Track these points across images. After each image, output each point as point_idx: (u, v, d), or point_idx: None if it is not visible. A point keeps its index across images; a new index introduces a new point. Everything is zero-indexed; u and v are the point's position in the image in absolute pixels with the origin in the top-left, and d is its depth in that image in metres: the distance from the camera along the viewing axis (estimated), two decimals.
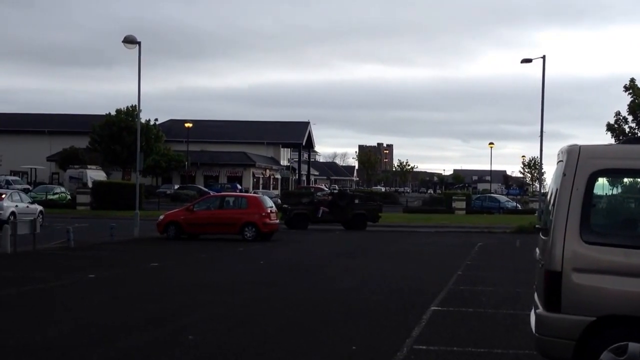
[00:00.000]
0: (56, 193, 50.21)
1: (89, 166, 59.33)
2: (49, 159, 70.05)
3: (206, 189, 61.83)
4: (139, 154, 28.88)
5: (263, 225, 25.32)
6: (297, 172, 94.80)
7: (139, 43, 26.85)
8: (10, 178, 61.72)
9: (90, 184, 52.32)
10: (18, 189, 37.62)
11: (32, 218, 24.56)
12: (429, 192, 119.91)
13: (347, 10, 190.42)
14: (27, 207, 30.61)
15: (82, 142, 64.97)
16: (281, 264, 17.92)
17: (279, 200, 49.91)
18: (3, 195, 29.87)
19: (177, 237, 25.18)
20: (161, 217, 26.63)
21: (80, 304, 11.18)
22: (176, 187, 65.84)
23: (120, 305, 11.06)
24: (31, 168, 67.95)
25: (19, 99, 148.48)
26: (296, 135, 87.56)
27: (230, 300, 11.74)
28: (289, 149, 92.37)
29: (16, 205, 29.67)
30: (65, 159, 64.02)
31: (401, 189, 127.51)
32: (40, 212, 31.37)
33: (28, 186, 60.74)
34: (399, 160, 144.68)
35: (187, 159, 67.56)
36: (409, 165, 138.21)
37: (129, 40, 26.81)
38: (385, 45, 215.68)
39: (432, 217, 42.66)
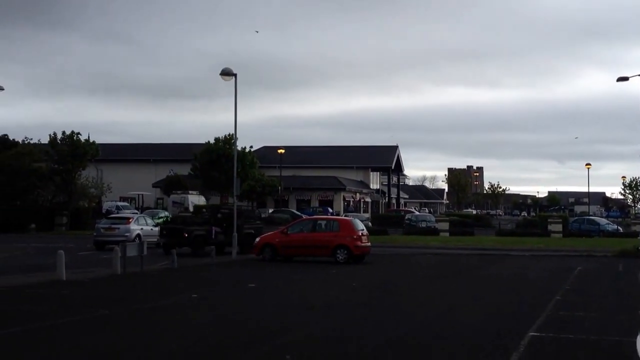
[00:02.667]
0: (161, 217, 51.89)
1: (190, 191, 61.14)
2: (154, 185, 72.68)
3: (299, 213, 62.43)
4: (235, 179, 29.50)
5: (355, 248, 25.25)
6: (386, 195, 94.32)
7: (235, 75, 27.58)
8: (120, 204, 64.38)
9: (191, 208, 53.82)
10: (144, 215, 39.83)
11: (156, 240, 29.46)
12: (522, 214, 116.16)
13: (433, 35, 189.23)
14: (151, 229, 33.09)
15: (184, 169, 67.16)
16: (374, 286, 17.75)
17: (370, 224, 49.57)
18: (130, 220, 32.75)
19: (272, 259, 25.46)
20: (257, 239, 27.03)
21: (185, 322, 11.41)
22: (270, 210, 66.81)
23: (223, 324, 11.22)
24: (138, 194, 70.67)
25: (127, 130, 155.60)
26: (385, 159, 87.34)
27: (326, 321, 11.70)
28: (378, 173, 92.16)
29: (141, 228, 32.46)
30: (168, 185, 66.27)
31: (493, 212, 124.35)
32: None
33: (136, 211, 63.22)
34: (490, 182, 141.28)
35: (280, 183, 68.52)
36: (500, 187, 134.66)
37: (226, 73, 27.58)
38: (472, 69, 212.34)
39: (526, 240, 41.23)
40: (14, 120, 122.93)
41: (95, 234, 32.20)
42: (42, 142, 52.41)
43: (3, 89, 33.91)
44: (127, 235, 30.66)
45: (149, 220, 35.16)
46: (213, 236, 28.38)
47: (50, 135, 50.29)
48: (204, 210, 35.98)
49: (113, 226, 31.53)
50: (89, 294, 14.79)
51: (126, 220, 32.73)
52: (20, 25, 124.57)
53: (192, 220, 30.01)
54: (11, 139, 61.58)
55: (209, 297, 14.98)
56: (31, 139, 55.46)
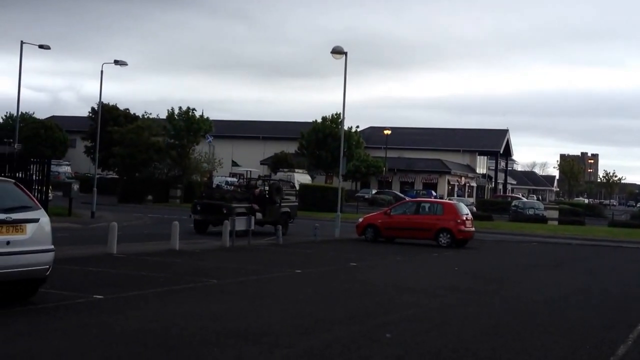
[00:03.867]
0: None
1: (296, 170, 62.29)
2: (262, 162, 74.53)
3: (402, 195, 62.23)
4: (342, 159, 29.82)
5: (458, 232, 25.04)
6: (493, 180, 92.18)
7: (346, 53, 27.78)
8: (229, 179, 66.41)
9: (297, 186, 54.84)
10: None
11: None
12: (638, 205, 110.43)
13: (550, 14, 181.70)
14: None
15: (291, 147, 68.42)
16: (476, 271, 17.60)
17: (474, 208, 48.59)
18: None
19: (374, 240, 25.68)
20: (360, 219, 27.30)
21: (288, 296, 11.83)
22: (374, 191, 66.99)
23: (324, 300, 11.55)
24: (247, 170, 72.74)
25: (238, 108, 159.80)
26: (493, 143, 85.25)
27: (426, 303, 11.79)
28: (486, 157, 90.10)
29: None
30: (276, 163, 67.81)
31: (606, 202, 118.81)
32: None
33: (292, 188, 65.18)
34: (605, 170, 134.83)
35: (385, 165, 68.47)
36: (616, 176, 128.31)
37: (337, 51, 27.82)
38: (592, 49, 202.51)
39: None
40: (136, 95, 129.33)
41: None
42: (161, 117, 54.91)
43: (126, 64, 35.72)
44: None
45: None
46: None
47: (168, 110, 52.63)
48: (235, 184, 32.41)
49: None
50: (200, 264, 15.55)
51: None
52: (143, 2, 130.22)
53: (233, 195, 26.45)
54: (132, 113, 64.94)
55: (311, 273, 15.39)
56: (150, 114, 58.31)
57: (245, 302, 10.76)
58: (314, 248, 21.85)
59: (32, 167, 29.24)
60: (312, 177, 63.51)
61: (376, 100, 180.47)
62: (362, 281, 14.41)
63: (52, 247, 9.62)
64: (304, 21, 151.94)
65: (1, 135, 73.59)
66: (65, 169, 63.11)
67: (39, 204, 9.86)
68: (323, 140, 61.60)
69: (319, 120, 64.34)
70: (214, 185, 63.00)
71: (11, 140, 49.40)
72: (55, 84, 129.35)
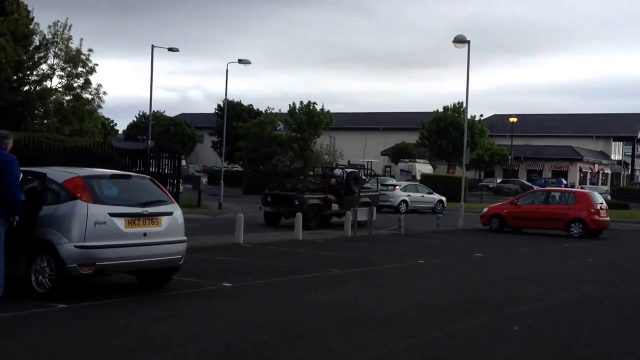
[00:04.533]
0: (388, 184, 53.23)
1: (417, 160, 61.77)
2: (383, 153, 74.47)
3: (529, 183, 60.12)
4: (465, 148, 29.26)
5: (592, 222, 23.95)
6: (630, 167, 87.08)
7: (468, 42, 27.17)
8: (349, 170, 66.61)
9: (418, 177, 54.42)
10: (416, 183, 42.01)
11: (431, 206, 31.47)
12: None
13: None
14: (422, 196, 35.60)
15: (411, 138, 67.91)
16: (611, 263, 16.75)
17: (609, 197, 46.19)
18: (397, 187, 35.59)
19: (499, 230, 25.05)
20: (485, 209, 26.70)
21: (411, 286, 11.80)
22: (498, 180, 65.17)
23: (448, 291, 11.42)
24: (367, 161, 72.94)
25: (359, 100, 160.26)
26: (630, 128, 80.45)
27: (556, 296, 11.37)
28: (621, 143, 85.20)
29: (408, 195, 35.00)
30: (396, 154, 67.56)
31: None
32: (440, 201, 36.55)
33: (365, 177, 65.09)
34: None
35: (511, 153, 66.41)
36: None
37: (459, 40, 27.28)
38: None
39: None
40: (259, 91, 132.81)
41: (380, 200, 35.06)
42: (282, 112, 56.23)
43: (250, 62, 36.86)
44: (391, 201, 33.42)
45: (422, 188, 37.33)
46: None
47: (289, 105, 53.77)
48: (310, 175, 28.03)
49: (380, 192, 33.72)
50: (323, 254, 15.82)
51: (392, 187, 35.43)
52: (268, 1, 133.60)
53: (306, 185, 24.51)
54: (255, 109, 66.95)
55: (434, 263, 15.25)
56: (273, 109, 59.83)
57: (368, 292, 10.85)
58: (436, 238, 21.62)
59: (164, 161, 30.90)
60: (434, 167, 62.72)
61: (501, 87, 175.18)
62: (488, 272, 14.12)
63: (185, 238, 10.14)
64: (424, 10, 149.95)
65: (136, 132, 78.10)
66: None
67: (172, 198, 10.41)
68: (445, 130, 60.58)
69: (440, 109, 63.33)
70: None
71: (145, 137, 52.42)
72: (183, 83, 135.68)
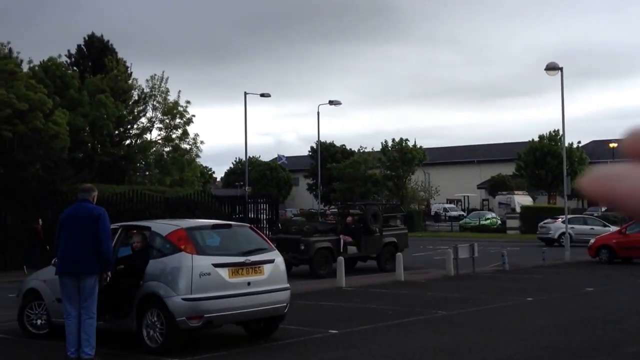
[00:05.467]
0: (487, 218, 51.94)
1: (516, 192, 60.07)
2: (479, 186, 72.97)
3: None
4: (565, 178, 28.22)
5: None
6: None
7: (561, 69, 26.42)
8: (447, 206, 65.80)
9: (518, 209, 52.86)
10: (586, 215, 40.05)
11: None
12: None
13: None
14: (592, 229, 32.90)
15: (507, 169, 66.28)
16: None
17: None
18: (558, 219, 33.52)
19: (609, 261, 23.78)
20: (592, 240, 25.49)
21: (522, 326, 11.29)
22: (603, 209, 62.36)
23: (561, 329, 10.85)
24: (464, 196, 71.64)
25: (451, 134, 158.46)
26: None
27: None
28: None
29: (572, 227, 32.21)
30: (493, 186, 66.03)
31: None
32: None
33: (462, 212, 64.05)
34: None
35: None
36: None
37: (551, 67, 26.56)
38: None
39: None
40: (351, 131, 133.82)
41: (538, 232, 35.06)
42: (375, 150, 56.31)
43: (340, 103, 37.27)
44: (550, 234, 32.90)
45: (594, 220, 35.51)
46: (342, 248, 20.69)
47: (381, 143, 53.82)
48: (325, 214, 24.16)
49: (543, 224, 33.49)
50: (426, 295, 15.45)
51: (554, 219, 34.63)
52: (355, 40, 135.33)
53: (314, 227, 21.80)
54: (348, 149, 67.39)
55: (543, 300, 14.58)
56: (365, 148, 60.07)
57: (477, 334, 10.45)
58: (542, 273, 20.75)
59: (261, 206, 31.47)
60: (534, 198, 60.77)
61: (597, 112, 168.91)
62: (601, 307, 13.35)
63: (288, 285, 10.13)
64: (512, 39, 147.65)
65: (233, 179, 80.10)
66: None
67: (272, 245, 10.48)
68: (542, 159, 58.79)
69: (536, 138, 61.61)
70: (432, 213, 62.67)
71: (242, 183, 53.63)
72: (277, 127, 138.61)
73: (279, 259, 10.09)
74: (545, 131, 61.17)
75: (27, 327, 10.43)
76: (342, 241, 20.75)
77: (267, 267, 9.75)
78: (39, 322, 10.34)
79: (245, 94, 37.04)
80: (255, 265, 9.59)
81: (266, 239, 10.67)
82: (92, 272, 8.41)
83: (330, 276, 18.67)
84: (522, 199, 57.71)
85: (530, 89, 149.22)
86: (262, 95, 36.84)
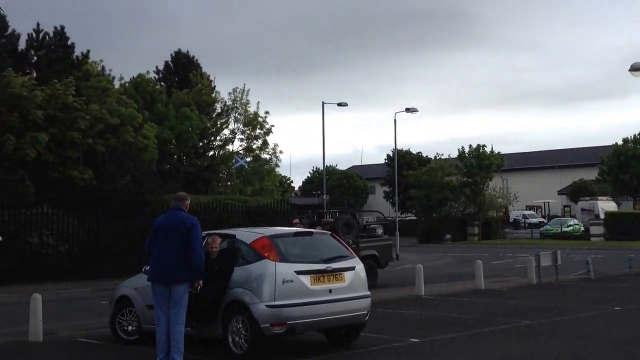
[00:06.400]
0: (570, 225, 50.20)
1: (599, 197, 57.79)
2: (560, 192, 70.66)
3: None
4: None
5: None
6: None
7: None
8: (527, 213, 64.02)
9: (602, 215, 50.84)
10: None
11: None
12: None
13: None
14: None
15: (590, 174, 63.92)
16: None
17: None
18: None
19: None
20: None
21: (610, 335, 10.80)
22: None
23: None
24: (544, 202, 69.55)
25: (530, 139, 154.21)
26: None
27: None
28: None
29: None
30: (575, 192, 63.76)
31: None
32: None
33: (543, 219, 62.14)
34: None
35: None
36: None
37: (636, 68, 25.42)
38: None
39: None
40: (427, 138, 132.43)
41: None
42: (452, 157, 55.47)
43: (417, 111, 36.91)
44: None
45: None
46: None
47: (458, 149, 52.98)
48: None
49: None
50: (508, 304, 15.02)
51: None
52: (432, 48, 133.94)
53: None
54: (425, 156, 66.73)
55: (632, 310, 13.92)
56: (442, 155, 59.33)
57: (563, 344, 10.06)
58: (629, 282, 19.83)
59: (339, 215, 31.37)
60: (618, 204, 58.30)
61: None
62: None
63: (369, 293, 10.05)
64: (593, 41, 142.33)
65: (311, 188, 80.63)
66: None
67: (353, 253, 10.42)
68: (627, 164, 56.37)
69: (620, 142, 59.17)
70: (511, 220, 61.02)
71: (319, 192, 53.89)
72: (354, 136, 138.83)
73: (360, 267, 10.04)
74: (630, 134, 58.75)
75: (119, 333, 10.74)
76: None
77: (348, 275, 9.71)
78: (130, 328, 10.64)
79: (324, 104, 37.23)
80: (337, 273, 9.56)
81: (347, 246, 10.62)
82: (183, 281, 8.54)
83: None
84: (606, 205, 55.39)
85: (613, 91, 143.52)
86: (340, 104, 36.92)
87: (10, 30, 30.95)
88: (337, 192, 71.94)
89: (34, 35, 31.54)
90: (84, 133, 27.60)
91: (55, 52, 31.49)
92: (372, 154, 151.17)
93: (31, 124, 26.33)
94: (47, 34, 31.79)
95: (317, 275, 9.34)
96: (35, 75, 30.13)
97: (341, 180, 75.89)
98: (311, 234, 10.70)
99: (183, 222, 8.65)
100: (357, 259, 10.26)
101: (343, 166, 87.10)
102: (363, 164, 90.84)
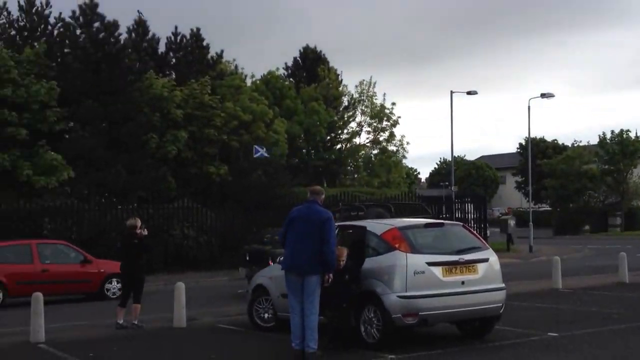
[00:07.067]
0: None
1: None
2: None
3: None
4: None
5: None
6: None
7: None
8: None
9: None
10: None
11: None
12: None
13: None
14: None
15: None
16: None
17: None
18: None
19: None
20: None
21: None
22: None
23: None
24: None
25: None
26: None
27: None
28: None
29: None
30: None
31: None
32: None
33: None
34: None
35: None
36: None
37: None
38: None
39: None
40: (563, 125, 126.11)
41: None
42: (591, 144, 52.72)
43: (553, 96, 35.33)
44: None
45: None
46: None
47: (599, 135, 50.32)
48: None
49: None
50: None
51: None
52: (569, 29, 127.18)
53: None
54: (560, 144, 63.85)
55: None
56: (580, 142, 56.56)
57: None
58: None
59: (468, 206, 30.87)
60: None
61: None
62: None
63: (503, 285, 9.77)
64: None
65: (438, 179, 79.57)
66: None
67: (486, 244, 10.17)
68: None
69: None
70: None
71: (447, 183, 53.01)
72: (482, 125, 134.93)
73: (493, 258, 9.78)
74: None
75: (255, 320, 11.14)
76: None
77: (481, 266, 9.50)
78: (266, 315, 11.01)
79: (452, 92, 36.49)
80: (469, 264, 9.38)
81: (480, 237, 10.38)
82: (315, 272, 8.68)
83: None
84: None
85: None
86: (469, 93, 36.03)
87: (150, 35, 32.75)
88: (465, 183, 70.45)
89: (172, 37, 33.22)
90: (219, 130, 28.82)
91: (191, 53, 33.00)
92: (502, 142, 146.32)
93: (171, 122, 27.81)
94: (184, 36, 33.37)
95: (449, 266, 9.21)
96: (174, 76, 31.74)
97: (469, 171, 74.20)
98: (442, 224, 10.56)
99: (318, 214, 8.78)
100: (491, 250, 10.01)
101: (471, 156, 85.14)
102: (492, 153, 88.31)
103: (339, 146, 44.69)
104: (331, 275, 8.80)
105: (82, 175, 26.22)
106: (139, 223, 12.50)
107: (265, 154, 26.74)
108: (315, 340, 8.68)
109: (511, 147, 79.84)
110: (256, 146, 26.79)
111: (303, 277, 8.71)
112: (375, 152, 44.70)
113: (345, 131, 45.31)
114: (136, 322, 11.94)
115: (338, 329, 9.26)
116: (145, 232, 12.37)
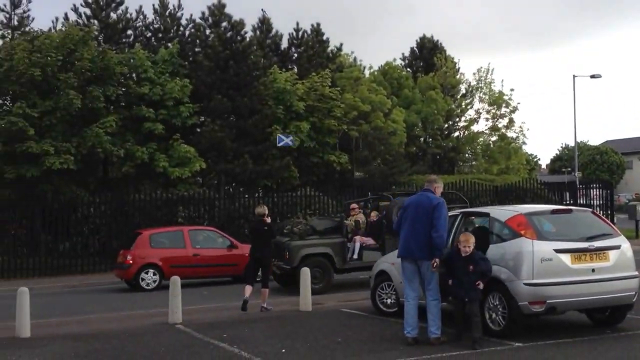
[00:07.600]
0: None
1: None
2: None
3: None
4: None
5: None
6: None
7: None
8: None
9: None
10: None
11: None
12: None
13: None
14: None
15: None
16: None
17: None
18: None
19: None
20: None
21: None
22: None
23: None
24: None
25: None
26: None
27: None
28: None
29: None
30: None
31: None
32: None
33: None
34: None
35: None
36: None
37: None
38: None
39: None
40: None
41: None
42: None
43: None
44: None
45: None
46: (354, 254, 15.36)
47: None
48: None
49: None
50: None
51: None
52: None
53: (310, 227, 15.67)
54: None
55: None
56: None
57: None
58: None
59: (593, 192, 29.25)
60: None
61: None
62: None
63: (637, 273, 9.12)
64: None
65: (559, 165, 76.04)
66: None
67: (618, 231, 9.51)
68: None
69: None
70: None
71: (569, 169, 50.58)
72: (607, 109, 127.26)
73: (626, 245, 9.15)
74: None
75: (378, 305, 11.07)
76: (357, 244, 15.42)
77: (612, 254, 8.91)
78: (388, 301, 10.90)
79: (574, 77, 34.66)
80: (600, 252, 8.82)
81: (610, 224, 9.72)
82: (427, 257, 8.52)
83: (328, 291, 14.45)
84: None
85: None
86: (593, 76, 34.06)
87: (273, 32, 33.39)
88: (589, 169, 66.89)
89: (294, 33, 33.67)
90: (339, 120, 29.04)
91: (312, 47, 33.29)
92: (629, 126, 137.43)
93: (294, 114, 28.29)
94: (305, 31, 33.75)
95: (578, 253, 8.72)
96: (296, 70, 32.16)
97: (593, 156, 70.38)
98: (570, 210, 10.00)
99: (429, 200, 8.65)
100: (623, 237, 9.36)
101: (595, 141, 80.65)
102: (618, 137, 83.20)
103: (456, 134, 43.68)
104: (437, 260, 8.45)
105: (213, 166, 27.22)
106: (266, 211, 12.76)
107: (290, 143, 26.46)
108: (438, 327, 8.49)
109: (638, 131, 74.71)
110: (280, 135, 26.55)
111: (418, 264, 8.59)
112: (493, 139, 43.28)
113: (463, 119, 44.20)
114: (265, 305, 12.20)
115: (462, 316, 8.97)
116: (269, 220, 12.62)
